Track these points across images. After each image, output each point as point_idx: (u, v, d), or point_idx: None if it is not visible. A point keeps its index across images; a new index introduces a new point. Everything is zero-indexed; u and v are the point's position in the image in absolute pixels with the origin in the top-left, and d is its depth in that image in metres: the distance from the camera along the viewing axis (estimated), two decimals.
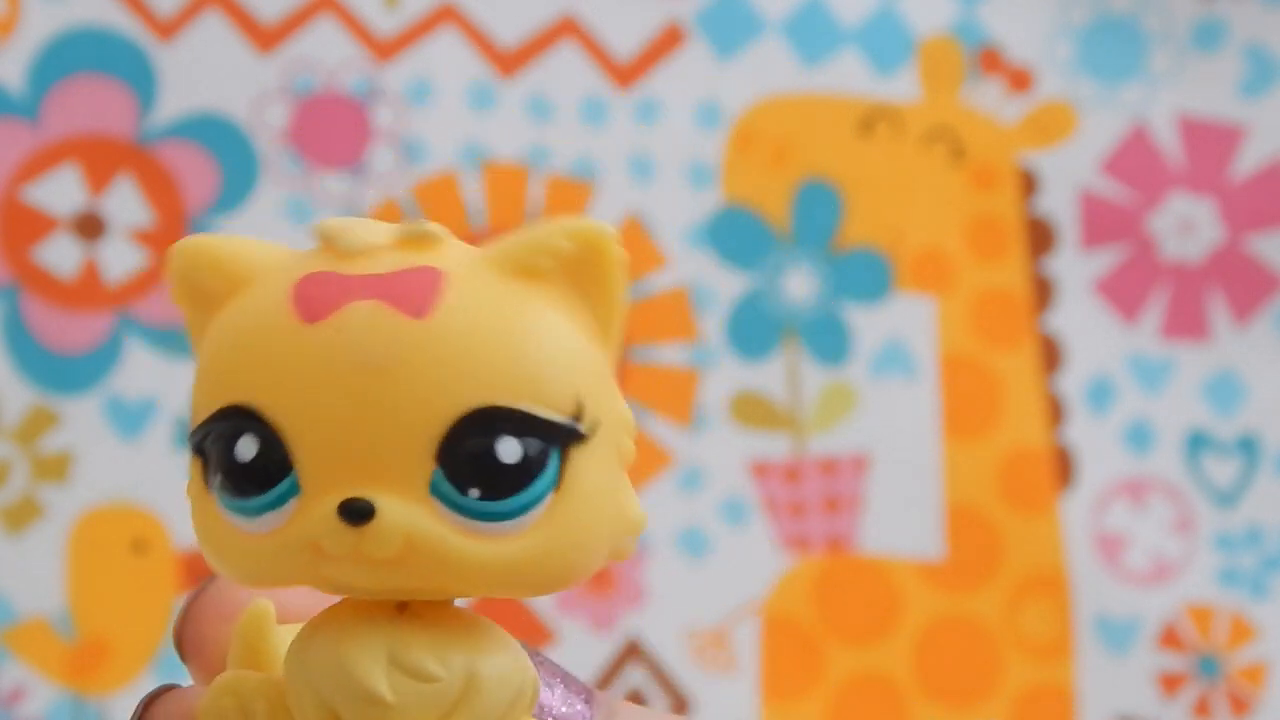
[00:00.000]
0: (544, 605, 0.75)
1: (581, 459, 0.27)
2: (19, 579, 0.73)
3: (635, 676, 0.75)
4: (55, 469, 0.73)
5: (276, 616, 0.30)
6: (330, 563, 0.27)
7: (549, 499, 0.27)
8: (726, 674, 0.76)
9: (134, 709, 0.31)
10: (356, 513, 0.26)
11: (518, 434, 0.26)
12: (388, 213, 0.74)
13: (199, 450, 0.27)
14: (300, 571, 0.27)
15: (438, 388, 0.26)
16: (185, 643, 0.32)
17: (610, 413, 0.27)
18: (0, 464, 0.73)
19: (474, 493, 0.26)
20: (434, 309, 0.26)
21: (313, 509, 0.26)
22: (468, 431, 0.26)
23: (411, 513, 0.26)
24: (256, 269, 0.28)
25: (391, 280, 0.27)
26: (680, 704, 0.75)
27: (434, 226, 0.27)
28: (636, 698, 0.75)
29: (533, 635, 0.74)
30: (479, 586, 0.27)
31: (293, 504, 0.27)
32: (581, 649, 0.75)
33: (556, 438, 0.27)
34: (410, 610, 0.28)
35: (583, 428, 0.27)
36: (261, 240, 0.28)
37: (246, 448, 0.27)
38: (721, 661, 0.76)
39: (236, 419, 0.27)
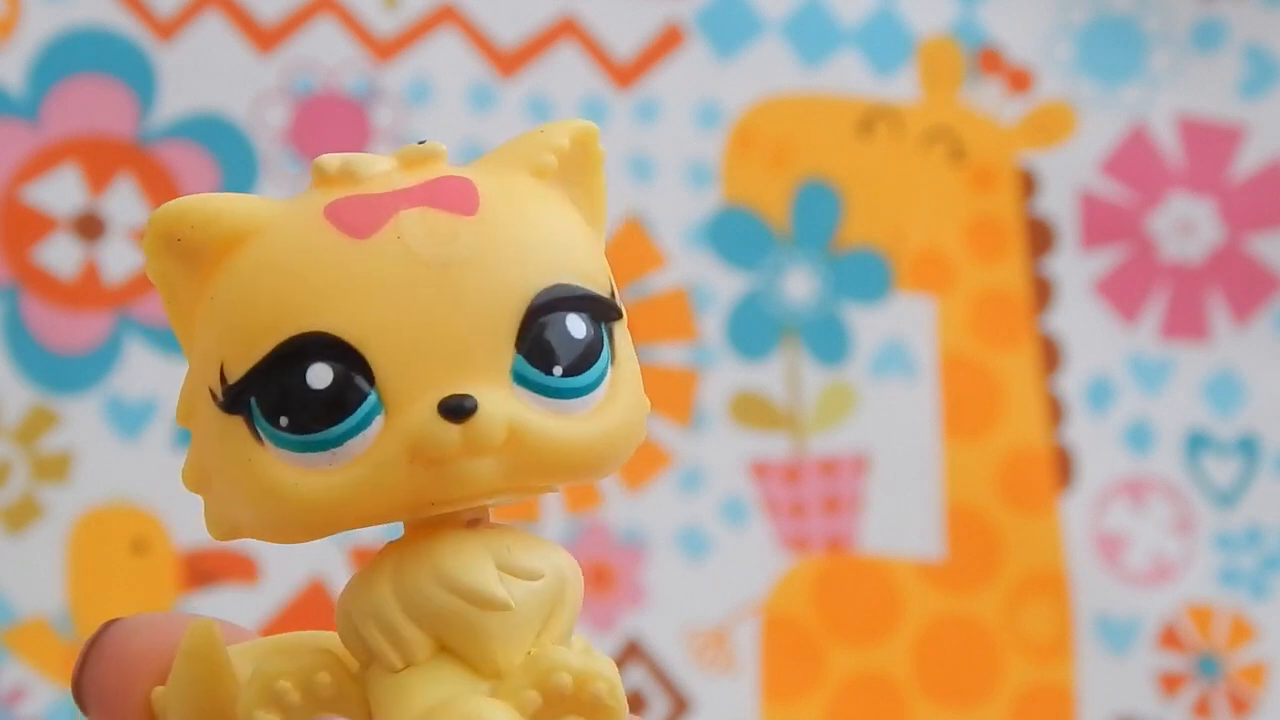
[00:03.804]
0: None
1: (619, 335, 0.28)
2: (19, 579, 0.73)
3: (635, 676, 0.75)
4: (55, 469, 0.73)
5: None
6: (427, 471, 0.27)
7: (610, 373, 0.28)
8: (726, 674, 0.76)
9: (80, 650, 0.31)
10: (458, 409, 0.26)
11: (579, 311, 0.28)
12: None
13: (236, 406, 0.27)
14: (388, 495, 0.27)
15: (510, 273, 0.27)
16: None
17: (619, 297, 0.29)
18: (0, 464, 0.73)
19: (557, 370, 0.27)
20: (480, 207, 0.27)
21: (404, 420, 0.27)
22: (542, 312, 0.27)
23: (507, 400, 0.27)
24: (258, 219, 0.28)
25: (427, 189, 0.27)
26: (680, 704, 0.75)
27: (436, 143, 0.28)
28: (637, 698, 0.75)
29: None
30: (570, 471, 0.28)
31: (378, 422, 0.27)
32: None
33: (606, 314, 0.28)
34: (482, 525, 0.28)
35: (619, 305, 0.28)
36: (243, 195, 0.28)
37: (319, 375, 0.27)
38: (721, 661, 0.76)
39: (304, 349, 0.27)
